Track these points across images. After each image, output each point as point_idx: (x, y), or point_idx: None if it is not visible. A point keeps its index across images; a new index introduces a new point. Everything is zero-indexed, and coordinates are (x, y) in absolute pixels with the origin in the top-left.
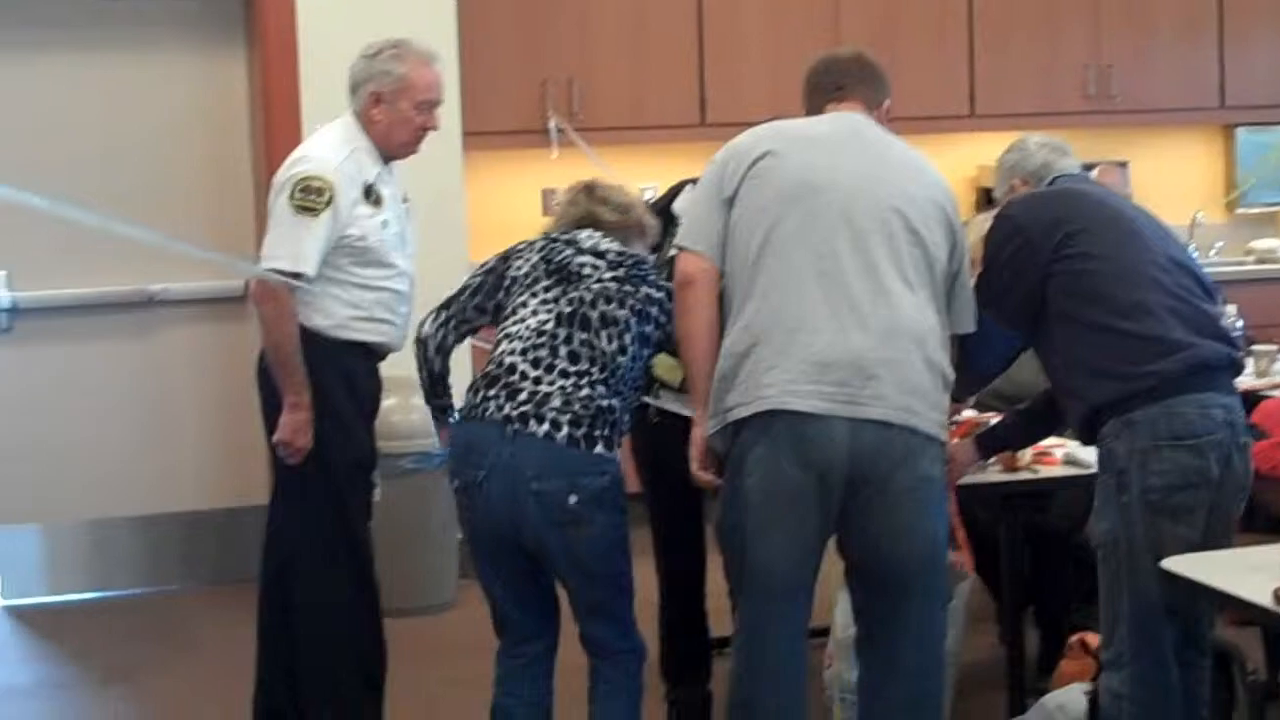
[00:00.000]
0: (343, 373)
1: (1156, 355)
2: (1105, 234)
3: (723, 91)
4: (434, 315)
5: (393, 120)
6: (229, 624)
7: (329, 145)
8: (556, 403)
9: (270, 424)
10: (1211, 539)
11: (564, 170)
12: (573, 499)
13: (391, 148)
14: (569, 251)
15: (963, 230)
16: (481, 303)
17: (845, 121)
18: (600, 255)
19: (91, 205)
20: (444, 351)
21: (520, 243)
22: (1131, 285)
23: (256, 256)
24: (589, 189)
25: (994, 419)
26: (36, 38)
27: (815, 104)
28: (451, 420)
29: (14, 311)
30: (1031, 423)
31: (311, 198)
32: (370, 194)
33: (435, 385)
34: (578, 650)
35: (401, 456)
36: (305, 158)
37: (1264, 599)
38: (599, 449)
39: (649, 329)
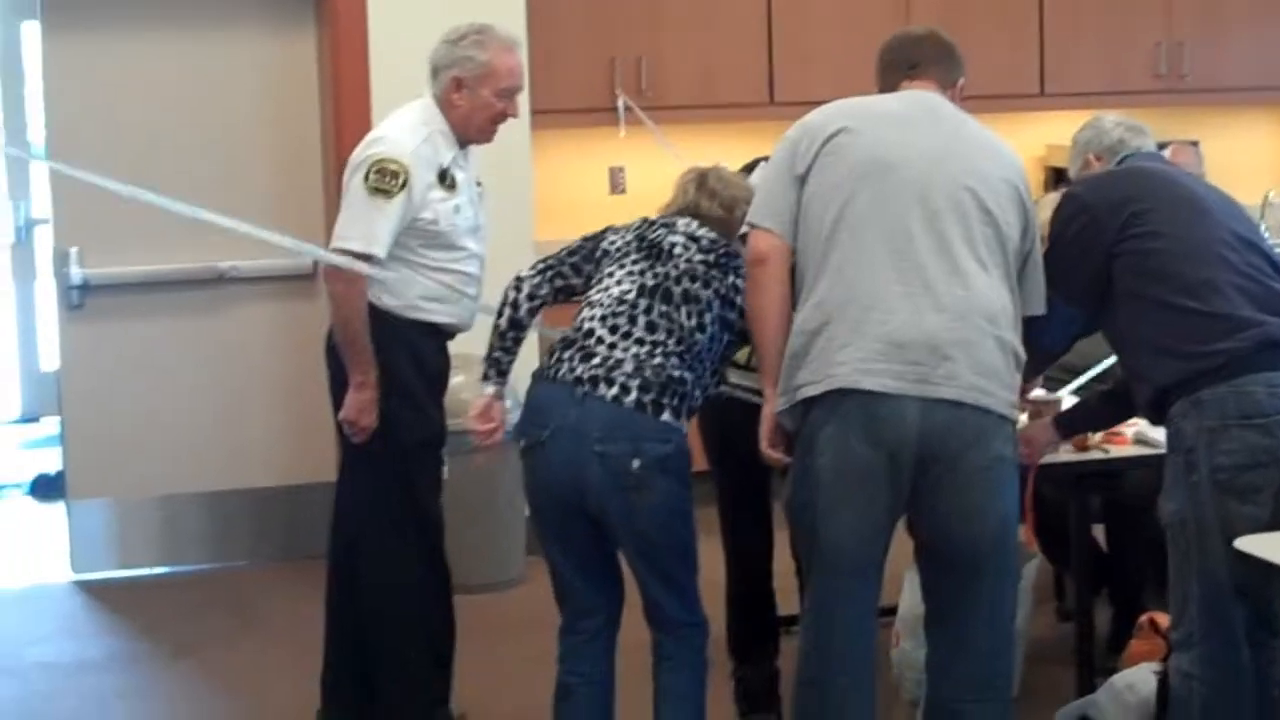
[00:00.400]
0: (410, 351)
1: (1224, 334)
2: (1173, 212)
3: (791, 70)
4: (531, 266)
5: (473, 106)
6: (297, 600)
7: (406, 127)
8: (628, 368)
9: (337, 402)
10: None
11: (631, 149)
12: (636, 463)
13: (469, 133)
14: (663, 231)
15: (1035, 209)
16: (578, 263)
17: (919, 99)
18: (694, 239)
19: (162, 183)
20: (534, 299)
21: (619, 224)
22: (1199, 263)
23: (326, 237)
24: (701, 180)
25: (1065, 397)
26: (108, 16)
27: (889, 81)
28: (490, 388)
29: (85, 288)
30: (1112, 405)
31: (387, 180)
32: (445, 178)
33: (506, 334)
34: (641, 627)
35: (469, 434)
36: (382, 139)
37: None
38: (666, 416)
39: (731, 315)
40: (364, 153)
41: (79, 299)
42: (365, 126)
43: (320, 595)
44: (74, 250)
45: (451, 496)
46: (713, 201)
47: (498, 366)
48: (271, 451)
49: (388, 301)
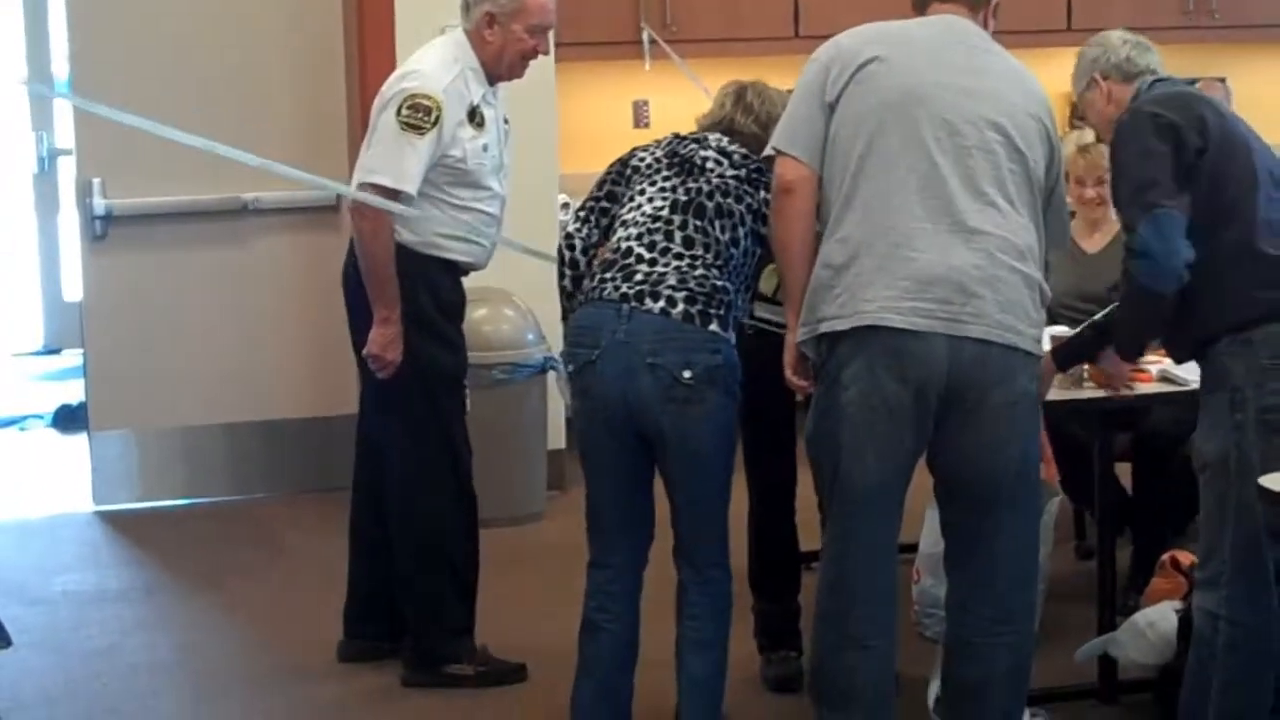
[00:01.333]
0: (428, 285)
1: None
2: (1232, 147)
3: (817, 3)
4: (573, 217)
5: (505, 42)
6: (318, 531)
7: (439, 63)
8: (672, 280)
9: (357, 336)
10: None
11: (656, 82)
12: (687, 374)
13: (500, 69)
14: (694, 146)
15: (1060, 145)
16: (613, 191)
17: (951, 26)
18: (725, 155)
19: (185, 116)
20: (589, 251)
21: (649, 142)
22: (1253, 204)
23: (349, 169)
24: (740, 94)
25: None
26: None
27: (920, 2)
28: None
29: (108, 219)
30: (1106, 335)
31: (419, 115)
32: (474, 116)
33: (574, 295)
34: (665, 564)
35: (491, 367)
36: (415, 73)
37: None
38: (714, 326)
39: (763, 229)
40: (396, 86)
41: (102, 230)
42: (389, 57)
43: (342, 527)
44: (97, 181)
45: (473, 430)
46: (748, 117)
47: None
48: (293, 383)
49: (406, 237)
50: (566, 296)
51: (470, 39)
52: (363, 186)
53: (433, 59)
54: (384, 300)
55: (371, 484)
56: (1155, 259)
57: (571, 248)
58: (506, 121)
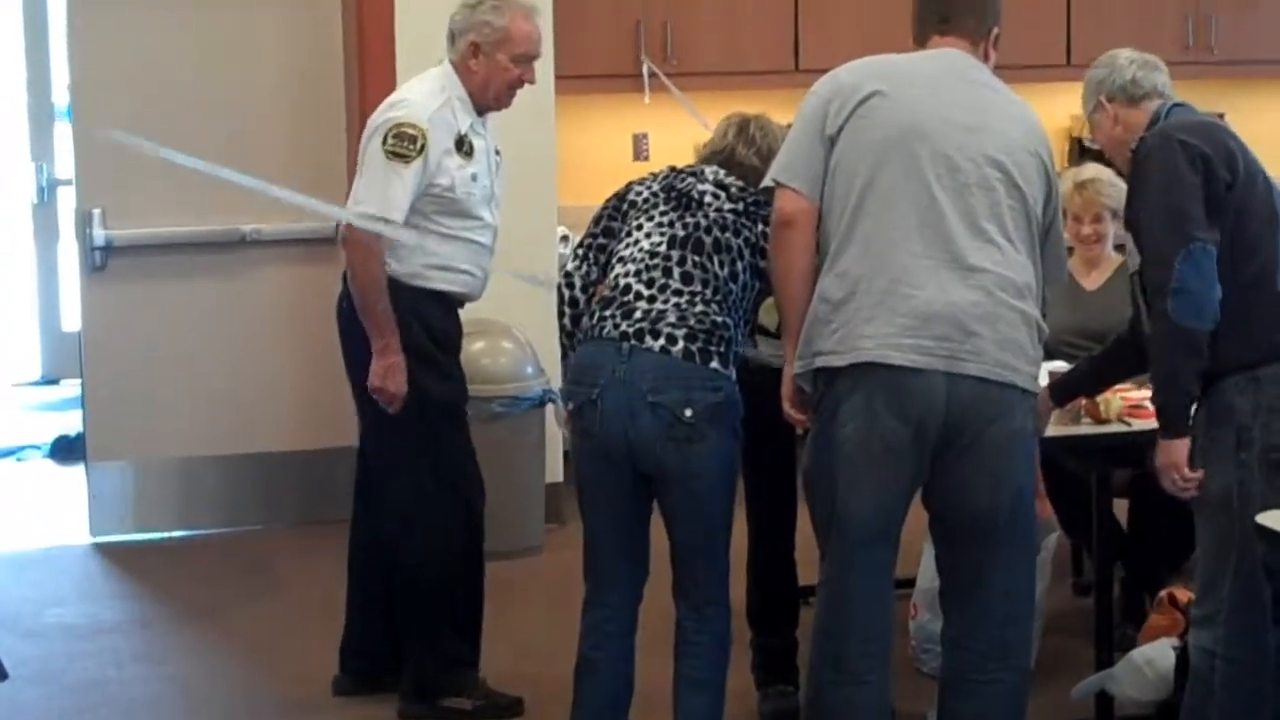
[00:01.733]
0: (419, 317)
1: None
2: (1251, 186)
3: (817, 37)
4: (571, 255)
5: (490, 72)
6: (314, 564)
7: (425, 92)
8: (672, 318)
9: (353, 371)
10: None
11: (656, 115)
12: (688, 412)
13: (486, 99)
14: (691, 180)
15: (1058, 181)
16: (609, 227)
17: (951, 61)
18: (723, 188)
19: (184, 144)
20: (588, 289)
21: (645, 175)
22: (1272, 242)
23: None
24: (743, 126)
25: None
26: None
27: (921, 33)
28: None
29: (108, 249)
30: (1102, 368)
31: (404, 145)
32: (463, 145)
33: (574, 334)
34: (663, 598)
35: (490, 400)
36: (401, 102)
37: None
38: (714, 364)
39: (762, 263)
40: (382, 116)
41: (101, 260)
42: (389, 90)
43: (338, 560)
44: (96, 211)
45: None
46: (750, 149)
47: None
48: (291, 416)
49: (395, 269)
50: (566, 335)
51: (456, 69)
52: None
53: (420, 89)
54: (380, 331)
55: (370, 517)
56: (1194, 296)
57: (571, 286)
58: (498, 152)
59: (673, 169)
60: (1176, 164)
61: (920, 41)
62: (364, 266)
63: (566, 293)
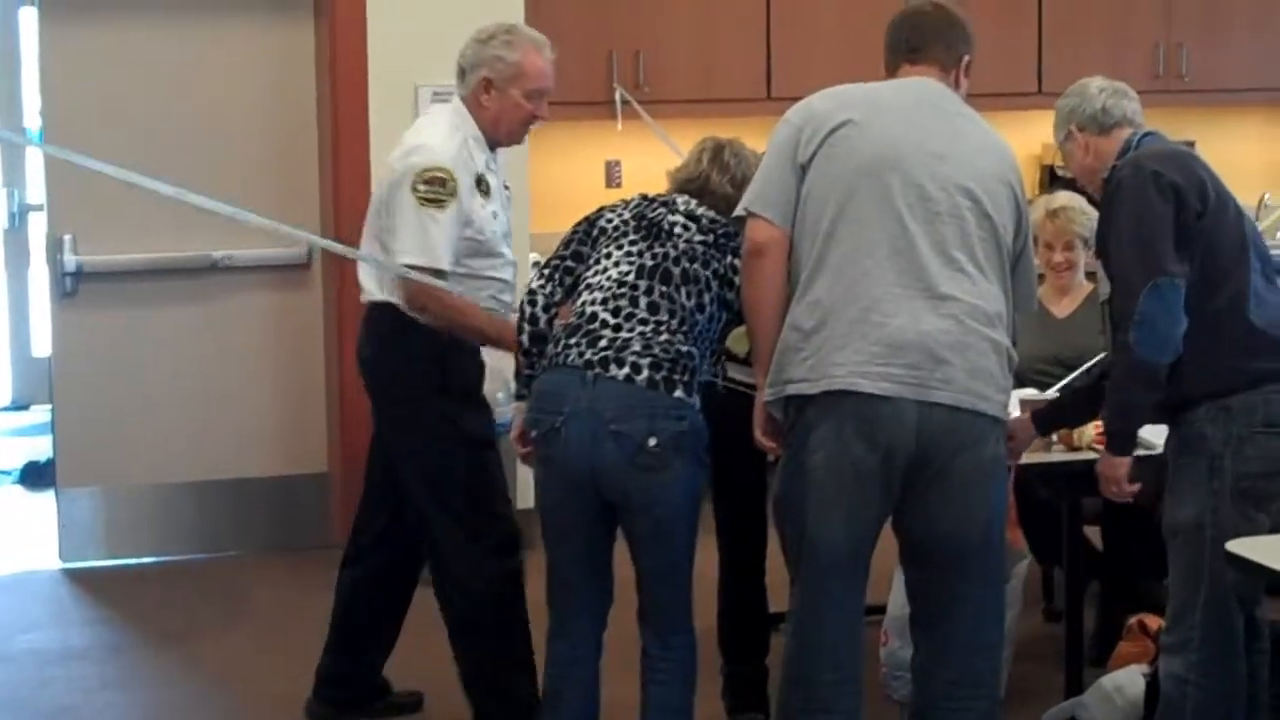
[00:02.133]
0: (454, 360)
1: (1262, 348)
2: (1223, 214)
3: (789, 65)
4: (537, 274)
5: (503, 107)
6: (285, 590)
7: (441, 134)
8: (637, 347)
9: (390, 417)
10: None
11: (628, 142)
12: (652, 441)
13: (499, 135)
14: (662, 210)
15: (1028, 209)
16: (579, 250)
17: (921, 90)
18: (693, 219)
19: (156, 170)
20: (550, 309)
21: (616, 202)
22: (1241, 273)
23: (320, 227)
24: (717, 151)
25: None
26: (106, 2)
27: (892, 62)
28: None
29: (79, 275)
30: (1090, 399)
31: (435, 189)
32: (481, 183)
33: (531, 350)
34: (627, 625)
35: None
36: (421, 147)
37: None
38: (679, 393)
39: (730, 295)
40: (404, 163)
41: (72, 286)
42: (362, 113)
43: (309, 585)
44: (68, 237)
45: None
46: (724, 176)
47: (530, 384)
48: (262, 442)
49: (425, 316)
50: (523, 352)
51: (468, 105)
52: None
53: (434, 130)
54: (502, 339)
55: (375, 555)
56: (1157, 330)
57: (533, 303)
58: (507, 187)
59: (644, 197)
60: (1148, 195)
61: (891, 70)
62: (443, 309)
63: (528, 309)
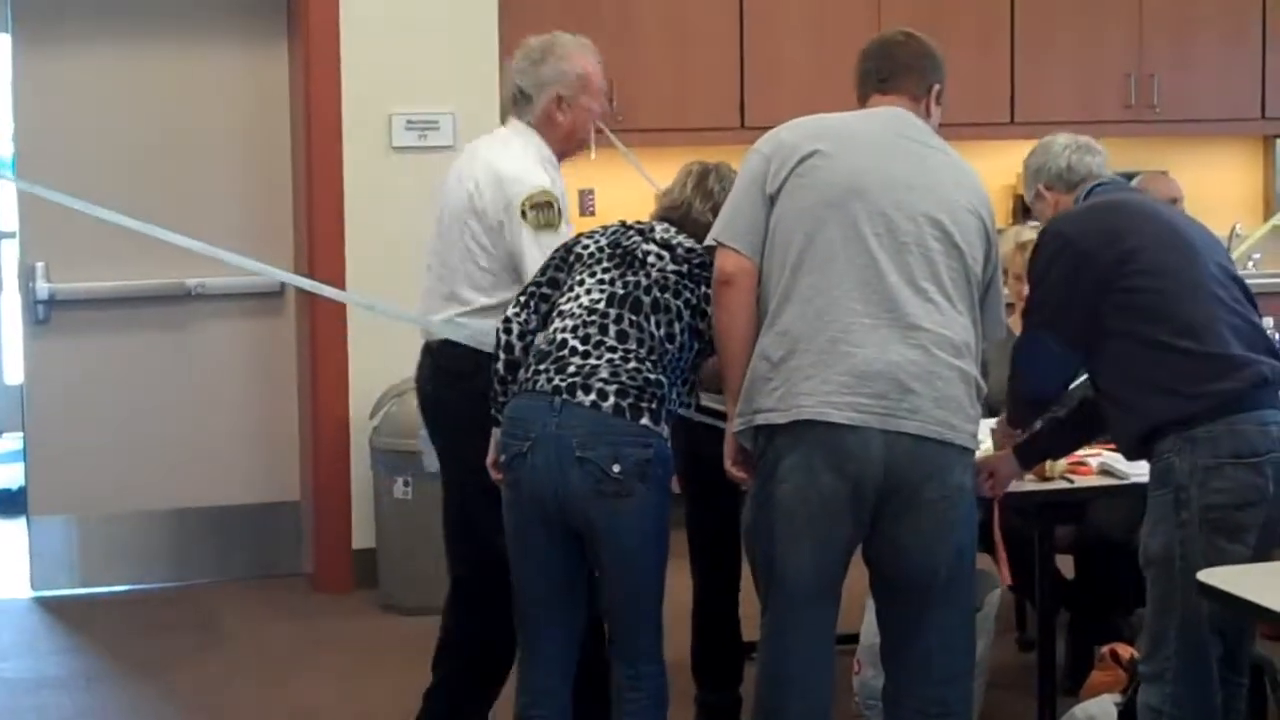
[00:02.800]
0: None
1: (1223, 374)
2: (1163, 249)
3: (762, 94)
4: (514, 301)
5: (576, 118)
6: (261, 618)
7: (525, 160)
8: (604, 373)
9: (458, 448)
10: (1258, 555)
11: (602, 171)
12: (616, 468)
13: (571, 147)
14: (637, 239)
15: (997, 239)
16: (555, 277)
17: (891, 120)
18: (668, 248)
19: (129, 198)
20: (525, 336)
21: (595, 228)
22: (1195, 303)
23: (294, 255)
24: (701, 178)
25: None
26: (79, 30)
27: (862, 92)
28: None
29: (51, 303)
30: (1071, 431)
31: (547, 213)
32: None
33: (506, 378)
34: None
35: (424, 454)
36: (517, 178)
37: None
38: (645, 420)
39: (702, 325)
40: (505, 195)
41: (45, 313)
42: (336, 142)
43: (284, 613)
44: (40, 264)
45: (408, 519)
46: (706, 204)
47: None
48: (236, 470)
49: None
50: (498, 380)
51: (537, 127)
52: None
53: (515, 158)
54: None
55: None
56: (1028, 379)
57: (508, 331)
58: None
59: (623, 224)
60: (1046, 257)
61: (862, 100)
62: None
63: (503, 337)
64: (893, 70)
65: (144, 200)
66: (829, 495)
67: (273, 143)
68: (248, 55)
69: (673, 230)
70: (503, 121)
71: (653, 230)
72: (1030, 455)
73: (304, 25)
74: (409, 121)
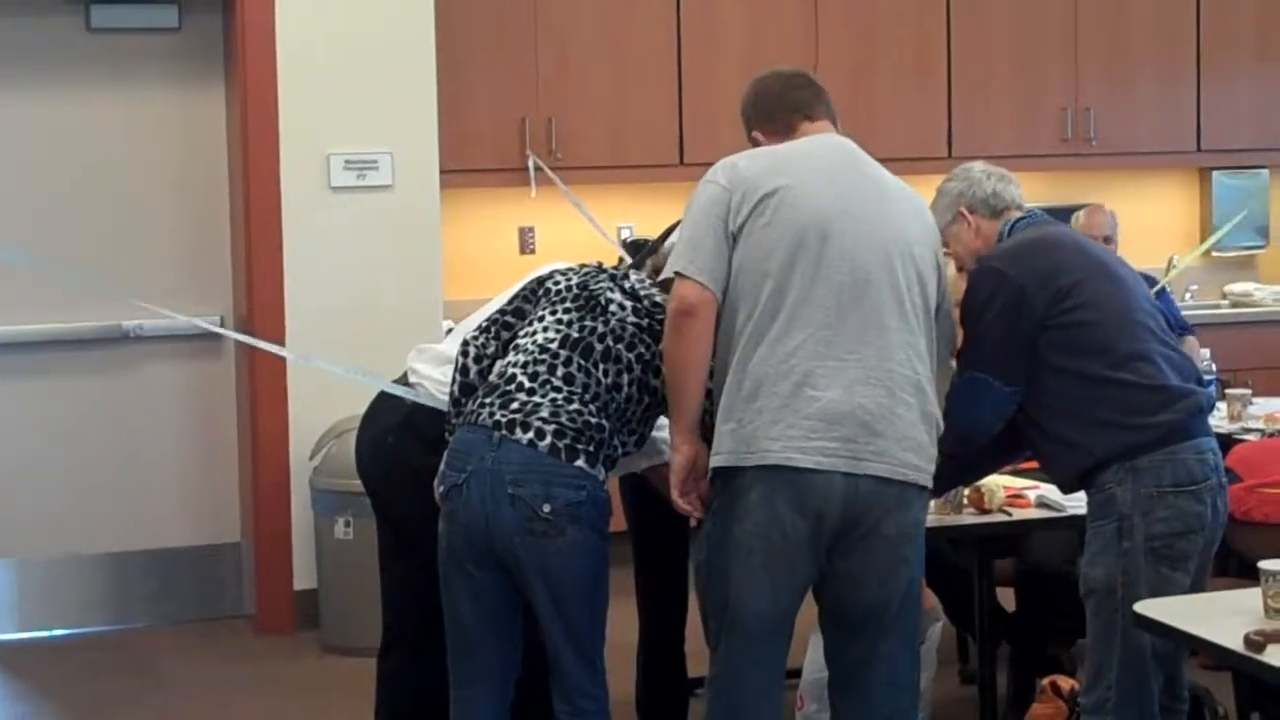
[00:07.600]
0: None
1: (1162, 405)
2: (1098, 284)
3: (701, 131)
4: (478, 325)
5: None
6: (198, 661)
7: None
8: (545, 413)
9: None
10: (1195, 583)
11: (542, 209)
12: (546, 508)
13: None
14: (606, 284)
15: (945, 266)
16: (520, 308)
17: (839, 149)
18: (635, 298)
19: (66, 243)
20: (481, 361)
21: (571, 265)
22: (1130, 336)
23: (233, 297)
24: None
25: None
26: (14, 76)
27: (785, 123)
28: None
29: None
30: (979, 459)
31: None
32: None
33: (461, 399)
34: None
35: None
36: None
37: (1236, 644)
38: (580, 462)
39: (655, 382)
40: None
41: None
42: (273, 174)
43: (223, 656)
44: None
45: (353, 555)
46: None
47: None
48: (175, 512)
49: None
50: (453, 402)
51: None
52: None
53: None
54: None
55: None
56: (961, 415)
57: (465, 355)
58: None
59: (599, 267)
60: (983, 294)
61: (789, 129)
62: None
63: (460, 360)
64: (808, 99)
65: (79, 244)
66: (790, 532)
67: (210, 182)
68: (185, 95)
69: (647, 281)
70: (440, 159)
71: (626, 277)
72: (938, 485)
73: (241, 65)
74: (347, 161)
